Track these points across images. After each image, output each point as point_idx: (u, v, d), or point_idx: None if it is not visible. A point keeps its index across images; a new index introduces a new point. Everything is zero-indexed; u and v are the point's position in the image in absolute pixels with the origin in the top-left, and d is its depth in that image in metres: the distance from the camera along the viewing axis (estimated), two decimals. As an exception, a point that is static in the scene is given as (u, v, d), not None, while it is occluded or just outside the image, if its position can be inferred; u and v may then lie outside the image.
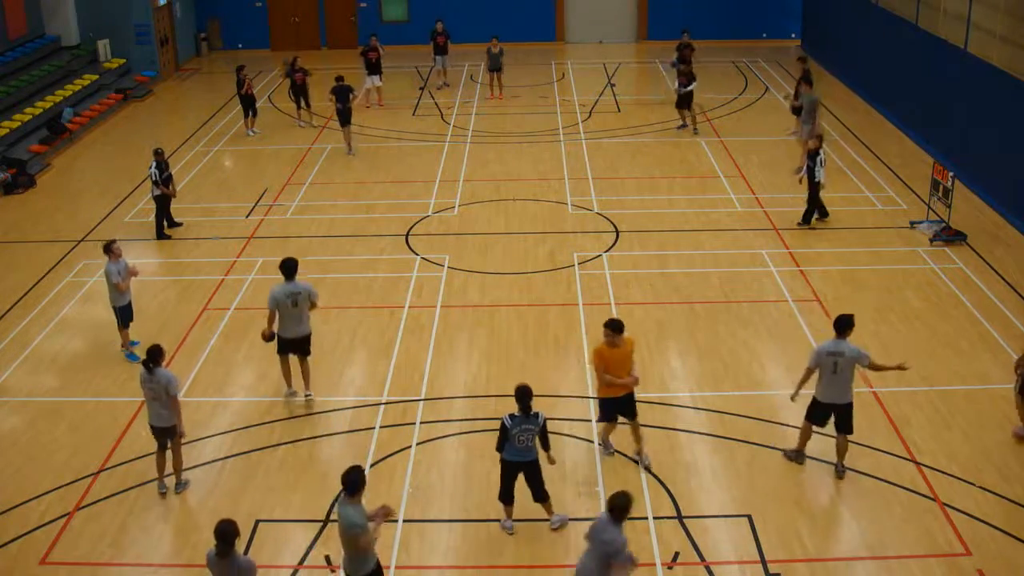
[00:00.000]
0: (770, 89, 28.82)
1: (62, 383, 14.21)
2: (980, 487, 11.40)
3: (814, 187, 18.31)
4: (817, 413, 11.58)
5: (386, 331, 15.29)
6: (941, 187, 18.31)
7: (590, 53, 34.50)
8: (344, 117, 23.51)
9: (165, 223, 19.03)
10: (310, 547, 10.71)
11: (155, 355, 11.23)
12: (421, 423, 12.91)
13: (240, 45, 36.01)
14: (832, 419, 11.55)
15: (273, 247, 18.30)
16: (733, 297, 16.11)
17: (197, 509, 11.43)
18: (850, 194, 20.35)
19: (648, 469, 11.77)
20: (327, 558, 10.54)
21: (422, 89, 29.92)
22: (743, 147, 23.52)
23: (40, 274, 17.64)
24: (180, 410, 11.38)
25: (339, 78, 23.83)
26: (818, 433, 12.01)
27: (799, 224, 18.70)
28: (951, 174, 18.14)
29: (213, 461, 12.24)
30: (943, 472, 11.70)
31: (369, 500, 9.60)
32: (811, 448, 12.01)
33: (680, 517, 10.98)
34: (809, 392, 11.62)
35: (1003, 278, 16.56)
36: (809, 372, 11.46)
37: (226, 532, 8.46)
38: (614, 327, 11.23)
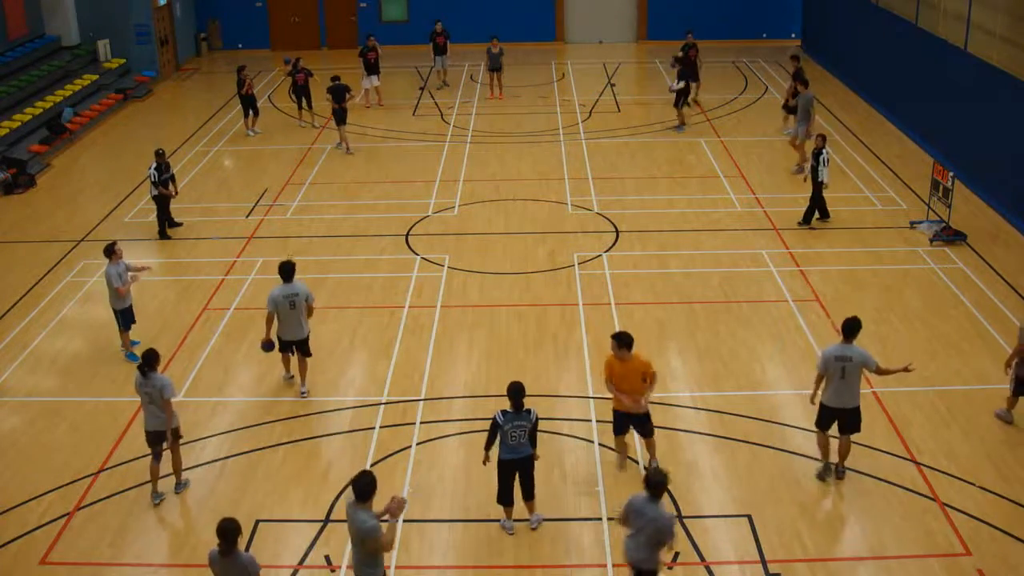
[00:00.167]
0: (770, 89, 28.82)
1: (62, 383, 14.21)
2: (980, 487, 11.40)
3: (817, 186, 18.32)
4: (826, 418, 11.40)
5: (386, 331, 15.29)
6: (941, 187, 18.32)
7: (590, 53, 34.50)
8: (340, 116, 23.54)
9: (166, 223, 19.04)
10: (310, 547, 10.72)
11: (151, 359, 11.22)
12: (421, 423, 12.91)
13: (240, 45, 36.00)
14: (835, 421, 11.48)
15: (273, 247, 18.30)
16: (733, 297, 16.11)
17: (197, 509, 11.43)
18: (850, 194, 20.35)
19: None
20: (327, 558, 10.54)
21: (422, 89, 29.92)
22: (743, 147, 23.53)
23: (40, 274, 17.64)
24: (174, 414, 11.34)
25: (335, 78, 23.93)
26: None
27: (800, 223, 18.71)
28: (951, 174, 18.14)
29: (213, 461, 12.25)
30: (943, 472, 11.70)
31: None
32: (812, 448, 12.01)
33: (680, 517, 10.97)
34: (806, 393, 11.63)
35: (1003, 278, 16.55)
36: (820, 378, 11.30)
37: (228, 530, 8.45)
38: (619, 341, 11.05)
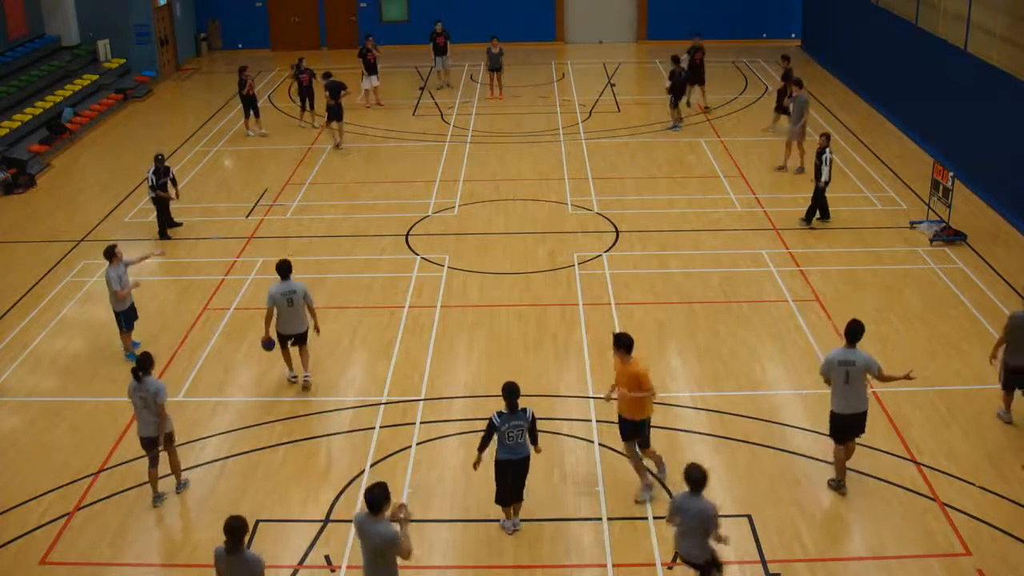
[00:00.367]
0: (770, 89, 28.79)
1: (62, 383, 14.21)
2: (980, 487, 11.40)
3: (819, 185, 18.33)
4: (840, 428, 11.15)
5: (386, 331, 15.29)
6: (941, 187, 18.32)
7: (590, 53, 34.49)
8: (336, 112, 23.57)
9: (166, 223, 19.03)
10: (310, 547, 10.71)
11: (145, 363, 11.18)
12: (421, 423, 12.91)
13: (240, 45, 36.00)
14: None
15: (273, 247, 18.30)
16: (733, 297, 16.11)
17: (197, 509, 11.43)
18: (850, 194, 20.35)
19: (660, 479, 11.53)
20: (327, 558, 10.54)
21: (422, 89, 29.91)
22: (743, 147, 23.53)
23: (40, 274, 17.64)
24: (168, 418, 11.27)
25: (327, 75, 24.22)
26: (820, 434, 12.03)
27: (801, 221, 18.71)
28: (951, 174, 18.14)
29: (213, 461, 12.25)
30: (943, 472, 11.69)
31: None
32: (812, 448, 12.03)
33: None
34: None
35: (1003, 278, 16.55)
36: (827, 382, 11.18)
37: (235, 528, 8.45)
38: (616, 343, 10.92)
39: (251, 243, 18.72)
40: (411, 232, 18.96)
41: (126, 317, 14.47)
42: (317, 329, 13.70)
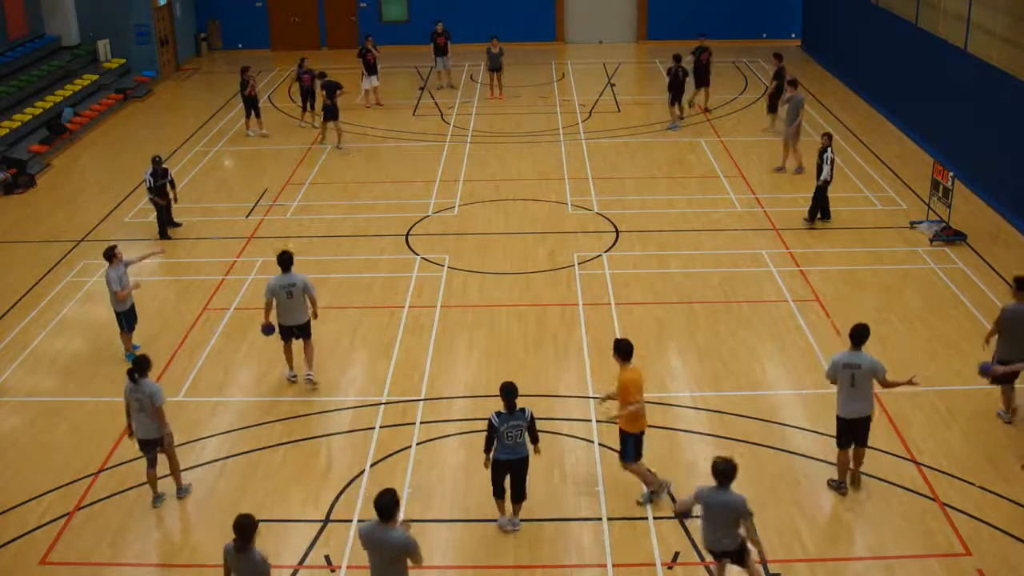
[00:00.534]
0: (769, 89, 28.77)
1: (62, 383, 14.21)
2: (980, 487, 11.40)
3: (820, 184, 18.33)
4: (846, 432, 11.09)
5: (386, 331, 15.29)
6: (941, 187, 18.32)
7: (590, 53, 34.49)
8: (332, 112, 23.58)
9: (166, 223, 19.02)
10: (310, 547, 10.71)
11: (141, 365, 11.12)
12: (421, 423, 12.91)
13: (240, 45, 35.99)
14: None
15: (273, 247, 18.24)
16: (733, 297, 16.11)
17: (197, 509, 11.43)
18: (850, 194, 20.35)
19: (669, 492, 11.32)
20: (327, 558, 10.54)
21: (422, 89, 29.91)
22: (743, 147, 23.53)
23: (40, 274, 17.64)
24: (165, 420, 11.21)
25: (322, 74, 24.30)
26: (820, 434, 12.03)
27: (804, 219, 18.72)
28: (951, 174, 18.14)
29: (213, 461, 12.25)
30: (943, 472, 11.69)
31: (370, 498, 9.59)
32: (812, 448, 12.03)
33: (681, 517, 10.95)
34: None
35: (1003, 278, 16.54)
36: (833, 383, 11.09)
37: (244, 526, 8.45)
38: (615, 348, 10.84)
39: (251, 243, 18.72)
40: (411, 232, 18.96)
41: (127, 318, 14.48)
42: (315, 315, 13.66)
